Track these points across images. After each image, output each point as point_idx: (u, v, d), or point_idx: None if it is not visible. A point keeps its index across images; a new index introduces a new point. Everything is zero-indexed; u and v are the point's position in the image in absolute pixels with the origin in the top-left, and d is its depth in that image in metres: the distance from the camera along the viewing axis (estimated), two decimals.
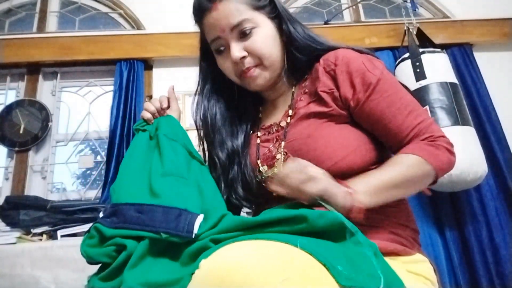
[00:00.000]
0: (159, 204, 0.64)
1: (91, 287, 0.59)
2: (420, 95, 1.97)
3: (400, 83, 0.82)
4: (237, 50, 0.79)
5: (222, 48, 0.83)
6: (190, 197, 0.69)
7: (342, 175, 0.71)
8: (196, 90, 0.95)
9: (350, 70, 0.76)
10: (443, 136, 0.76)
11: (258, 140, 0.88)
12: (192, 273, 0.48)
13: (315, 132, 0.77)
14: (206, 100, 0.92)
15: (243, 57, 0.80)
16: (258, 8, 0.81)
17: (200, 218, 0.60)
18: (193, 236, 0.57)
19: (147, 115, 0.92)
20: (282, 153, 0.79)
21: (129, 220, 0.62)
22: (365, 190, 0.67)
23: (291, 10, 2.68)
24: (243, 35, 0.80)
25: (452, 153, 0.76)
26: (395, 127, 0.75)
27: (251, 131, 0.92)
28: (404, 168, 0.71)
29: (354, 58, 0.78)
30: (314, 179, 0.64)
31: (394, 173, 0.71)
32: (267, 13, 0.83)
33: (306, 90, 0.83)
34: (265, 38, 0.81)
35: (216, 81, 0.92)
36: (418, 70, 2.01)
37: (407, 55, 2.11)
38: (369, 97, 0.75)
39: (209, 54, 0.90)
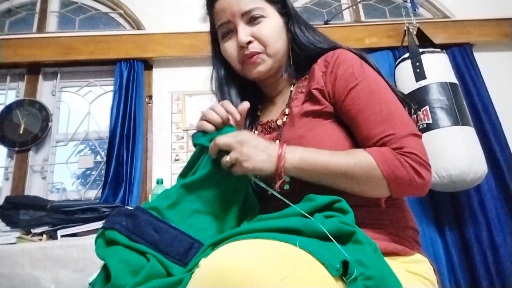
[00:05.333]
0: (175, 226, 0.64)
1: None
2: (420, 95, 1.97)
3: (393, 89, 0.80)
4: (244, 34, 0.81)
5: (228, 33, 0.84)
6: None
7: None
8: (211, 77, 0.95)
9: (336, 73, 0.78)
10: (415, 154, 0.68)
11: None
12: (193, 272, 0.48)
13: (308, 132, 0.77)
14: (220, 88, 0.92)
15: (249, 42, 0.81)
16: (270, 1, 0.85)
17: None
18: None
19: (207, 126, 0.75)
20: None
21: (145, 236, 0.62)
22: (295, 161, 0.69)
23: None
24: (252, 21, 0.82)
25: (418, 174, 0.68)
26: (364, 135, 0.74)
27: (249, 127, 0.93)
28: (350, 162, 0.68)
29: (345, 60, 0.78)
30: (245, 160, 0.66)
31: (336, 161, 0.68)
32: (278, 8, 0.86)
33: (303, 90, 0.84)
34: (272, 28, 0.83)
35: (223, 71, 0.93)
36: (418, 70, 2.01)
37: (407, 55, 2.11)
38: (343, 102, 0.76)
39: (218, 45, 0.91)
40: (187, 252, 0.61)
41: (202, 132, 0.75)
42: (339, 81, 0.77)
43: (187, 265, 0.58)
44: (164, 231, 0.63)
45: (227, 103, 0.76)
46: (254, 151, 0.67)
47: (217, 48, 0.92)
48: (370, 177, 0.68)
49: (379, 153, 0.68)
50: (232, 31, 0.84)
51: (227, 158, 0.67)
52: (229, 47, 0.85)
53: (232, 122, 0.75)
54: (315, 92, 0.79)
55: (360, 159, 0.68)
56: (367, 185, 0.69)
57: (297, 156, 0.69)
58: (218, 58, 0.93)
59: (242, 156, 0.66)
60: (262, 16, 0.82)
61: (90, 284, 0.62)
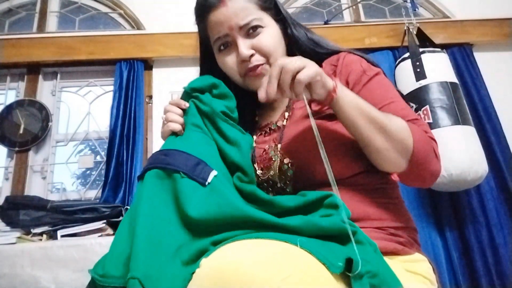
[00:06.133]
0: (182, 150, 0.69)
1: (101, 274, 0.59)
2: (420, 95, 1.97)
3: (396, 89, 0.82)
4: (245, 47, 0.79)
5: (227, 46, 0.82)
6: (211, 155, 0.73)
7: (336, 176, 0.72)
8: None
9: (348, 71, 0.79)
10: (435, 141, 0.73)
11: (254, 143, 0.87)
12: (193, 273, 0.48)
13: (311, 134, 0.76)
14: None
15: (251, 55, 0.80)
16: (265, 8, 0.83)
17: (214, 172, 0.66)
18: (206, 183, 0.63)
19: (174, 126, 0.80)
20: (278, 155, 0.79)
21: (155, 161, 0.69)
22: (346, 91, 0.68)
23: (291, 10, 2.69)
24: (251, 32, 0.80)
25: (437, 157, 0.72)
26: None
27: (248, 132, 0.92)
28: (388, 118, 0.69)
29: (354, 61, 0.80)
30: (307, 65, 0.64)
31: (377, 111, 0.69)
32: (273, 15, 0.84)
33: None
34: (272, 37, 0.82)
35: None
36: (418, 70, 2.01)
37: (407, 55, 2.11)
38: (358, 93, 0.75)
39: (209, 54, 0.89)
40: (195, 166, 0.66)
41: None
42: (352, 75, 0.78)
43: (195, 176, 0.64)
44: (172, 153, 0.70)
45: (170, 106, 0.79)
46: (305, 61, 0.65)
47: (209, 61, 0.90)
48: (401, 138, 0.68)
49: (412, 124, 0.70)
50: (230, 44, 0.82)
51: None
52: (229, 61, 0.82)
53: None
54: None
55: (396, 120, 0.69)
56: (394, 145, 0.68)
57: (347, 90, 0.69)
58: (210, 69, 0.89)
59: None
60: (260, 27, 0.80)
61: (89, 270, 0.62)
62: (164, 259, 0.54)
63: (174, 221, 0.60)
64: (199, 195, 0.61)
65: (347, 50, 0.83)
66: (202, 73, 0.93)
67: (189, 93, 0.80)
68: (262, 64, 0.81)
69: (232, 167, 0.72)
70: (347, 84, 0.78)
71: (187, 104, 0.78)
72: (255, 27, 0.80)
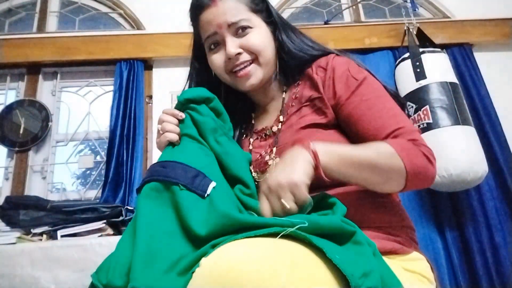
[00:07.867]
0: (180, 161, 0.69)
1: (105, 283, 0.59)
2: (420, 95, 1.97)
3: (385, 86, 0.81)
4: (233, 46, 0.80)
5: (216, 44, 0.84)
6: (208, 165, 0.72)
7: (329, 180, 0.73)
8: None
9: (335, 76, 0.79)
10: (426, 146, 0.72)
11: (251, 147, 0.88)
12: (193, 272, 0.48)
13: (305, 139, 0.77)
14: None
15: (239, 54, 0.81)
16: (255, 11, 0.84)
17: (213, 184, 0.66)
18: (206, 195, 0.63)
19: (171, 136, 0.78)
20: (274, 159, 0.80)
21: (154, 173, 0.68)
22: (326, 154, 0.66)
23: (291, 10, 2.68)
24: (240, 32, 0.81)
25: (431, 162, 0.71)
26: (374, 129, 0.74)
27: (244, 135, 0.93)
28: (373, 152, 0.68)
29: (340, 64, 0.80)
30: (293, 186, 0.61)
31: (360, 152, 0.68)
32: (264, 17, 0.86)
33: (297, 95, 0.84)
34: (261, 37, 0.83)
35: (206, 84, 0.91)
36: (418, 70, 2.01)
37: (407, 55, 2.11)
38: (347, 100, 0.76)
39: (201, 56, 0.90)
40: (194, 178, 0.66)
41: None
42: (339, 83, 0.77)
43: (194, 188, 0.64)
44: (171, 165, 0.69)
45: (165, 116, 0.78)
46: (287, 171, 0.63)
47: (201, 63, 0.91)
48: (393, 167, 0.67)
49: (397, 143, 0.69)
50: (219, 44, 0.83)
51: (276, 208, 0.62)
52: (217, 59, 0.84)
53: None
54: (316, 101, 0.79)
55: (381, 149, 0.68)
56: (389, 174, 0.68)
57: (327, 152, 0.66)
58: (202, 73, 0.91)
59: (285, 188, 0.61)
60: (249, 27, 0.82)
61: (92, 275, 0.62)
62: (163, 270, 0.54)
63: (175, 233, 0.60)
64: (200, 209, 0.61)
65: (334, 52, 0.84)
66: (191, 73, 0.93)
67: (183, 104, 0.79)
68: (250, 64, 0.82)
69: (232, 180, 0.72)
70: (334, 94, 0.78)
71: (183, 115, 0.78)
72: (244, 27, 0.81)
